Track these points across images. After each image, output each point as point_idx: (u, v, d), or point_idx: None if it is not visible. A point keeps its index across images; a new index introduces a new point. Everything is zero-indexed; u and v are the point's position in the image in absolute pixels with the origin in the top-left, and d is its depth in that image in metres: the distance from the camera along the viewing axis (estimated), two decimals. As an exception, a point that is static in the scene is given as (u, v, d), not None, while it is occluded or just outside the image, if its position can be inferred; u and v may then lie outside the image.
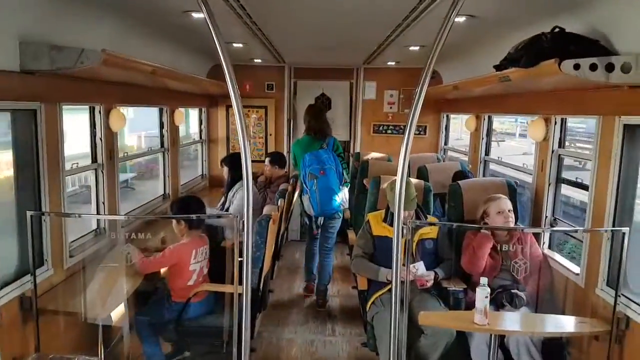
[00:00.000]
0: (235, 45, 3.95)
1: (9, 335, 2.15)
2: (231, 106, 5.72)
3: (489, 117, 4.59)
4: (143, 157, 13.98)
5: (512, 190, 3.24)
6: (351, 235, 4.00)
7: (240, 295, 2.10)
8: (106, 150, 3.07)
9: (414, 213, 3.03)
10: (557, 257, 3.01)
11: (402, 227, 2.20)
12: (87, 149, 2.99)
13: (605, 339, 2.25)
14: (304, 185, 3.93)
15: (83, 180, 10.78)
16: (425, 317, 2.37)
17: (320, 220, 4.02)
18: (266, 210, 3.00)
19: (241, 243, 2.11)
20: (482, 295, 2.22)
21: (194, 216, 2.76)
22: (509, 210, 2.94)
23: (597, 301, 2.42)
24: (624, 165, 2.30)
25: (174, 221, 2.88)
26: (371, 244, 3.04)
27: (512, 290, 2.84)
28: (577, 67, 2.07)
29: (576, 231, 3.10)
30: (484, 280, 2.25)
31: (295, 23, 3.31)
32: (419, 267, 2.78)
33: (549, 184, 3.15)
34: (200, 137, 5.72)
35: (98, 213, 3.10)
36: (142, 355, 2.75)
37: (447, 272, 2.96)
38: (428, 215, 3.13)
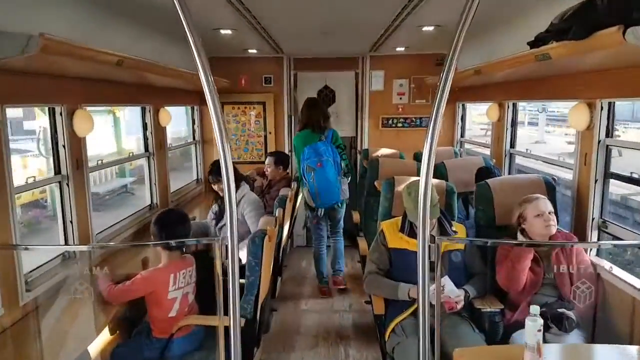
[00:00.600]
0: (222, 32, 3.51)
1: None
2: (227, 103, 5.36)
3: (514, 105, 4.12)
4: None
5: (550, 188, 2.78)
6: (362, 243, 3.56)
7: (227, 329, 1.68)
8: (71, 159, 2.65)
9: (436, 221, 2.59)
10: (608, 265, 2.54)
11: (428, 241, 1.75)
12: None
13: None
14: (303, 178, 3.95)
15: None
16: (460, 354, 1.93)
17: (321, 211, 4.01)
18: (261, 223, 2.57)
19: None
20: (533, 328, 1.76)
21: (162, 243, 2.34)
22: (549, 213, 2.49)
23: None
24: None
25: (152, 238, 2.47)
26: (387, 258, 2.61)
27: (560, 310, 2.40)
28: (648, 35, 1.61)
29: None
30: (534, 309, 1.80)
31: (291, 4, 2.87)
32: (446, 285, 2.34)
33: (595, 180, 2.68)
34: (194, 138, 5.30)
35: (65, 233, 2.69)
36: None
37: (479, 290, 2.52)
38: (453, 222, 2.68)
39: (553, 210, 2.51)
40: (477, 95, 4.74)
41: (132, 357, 2.31)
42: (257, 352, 2.62)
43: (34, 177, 2.51)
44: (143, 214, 3.76)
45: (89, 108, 2.79)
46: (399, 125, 5.39)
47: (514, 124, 4.16)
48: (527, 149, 4.08)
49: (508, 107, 4.12)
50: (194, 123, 5.27)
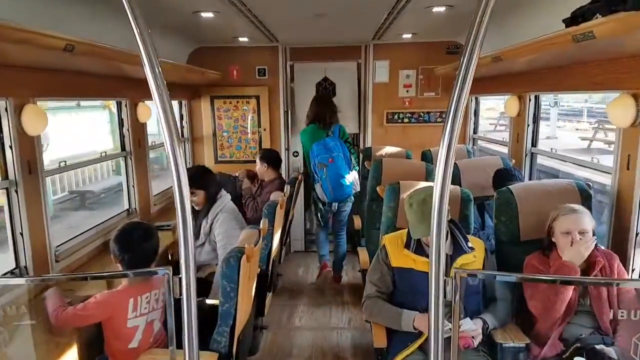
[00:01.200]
0: (204, 15, 3.11)
1: None
2: (217, 97, 4.97)
3: (536, 98, 3.69)
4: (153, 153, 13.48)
5: (585, 196, 2.37)
6: (362, 254, 3.16)
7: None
8: (21, 162, 2.28)
9: (449, 235, 2.18)
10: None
11: (442, 273, 1.36)
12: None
13: None
14: (315, 175, 4.04)
15: (74, 185, 10.20)
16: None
17: (335, 205, 4.08)
18: (241, 239, 2.18)
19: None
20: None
21: (109, 274, 1.96)
22: (583, 232, 2.06)
23: None
24: None
25: (113, 258, 2.10)
26: (389, 279, 2.21)
27: (598, 346, 2.00)
28: None
29: None
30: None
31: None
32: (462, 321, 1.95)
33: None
34: (182, 135, 4.92)
35: (15, 245, 2.32)
36: None
37: (500, 319, 2.12)
38: (469, 236, 2.26)
39: (591, 229, 2.09)
40: (493, 87, 4.30)
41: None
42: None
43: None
44: (119, 221, 3.39)
45: (59, 104, 2.42)
46: (406, 120, 4.97)
47: (536, 119, 3.73)
48: (552, 148, 3.64)
49: (529, 100, 3.69)
50: (182, 119, 4.89)
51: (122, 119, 3.44)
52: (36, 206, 2.39)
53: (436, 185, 1.24)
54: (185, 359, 1.34)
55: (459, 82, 1.22)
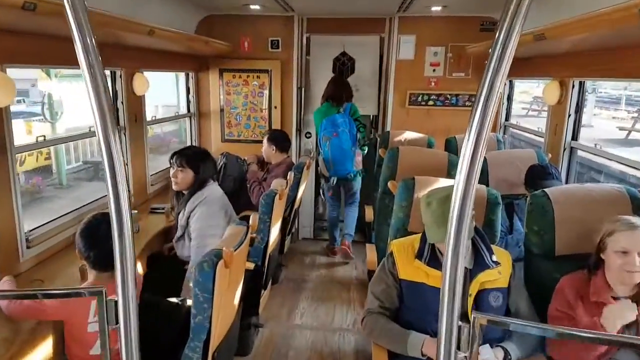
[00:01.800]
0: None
1: None
2: (226, 70, 4.64)
3: (581, 84, 3.24)
4: (161, 129, 13.35)
5: (637, 204, 1.98)
6: (371, 254, 2.85)
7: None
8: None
9: (470, 245, 1.85)
10: None
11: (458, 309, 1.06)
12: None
13: None
14: (320, 148, 4.12)
15: (89, 155, 10.15)
16: None
17: (334, 180, 4.10)
18: (223, 239, 1.89)
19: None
20: None
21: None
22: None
23: None
24: None
25: (78, 255, 1.85)
26: (395, 294, 1.90)
27: (645, 391, 1.66)
28: None
29: None
30: None
31: None
32: (481, 352, 1.63)
33: None
34: (188, 110, 4.64)
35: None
36: None
37: (525, 349, 1.80)
38: (494, 247, 1.92)
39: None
40: (530, 69, 3.84)
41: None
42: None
43: None
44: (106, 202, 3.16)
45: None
46: (430, 103, 4.56)
47: (578, 109, 3.29)
48: (595, 144, 3.19)
49: (573, 86, 3.24)
50: (188, 93, 4.60)
51: (115, 91, 3.17)
52: (2, 186, 2.15)
53: (457, 186, 0.92)
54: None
55: (494, 62, 0.90)
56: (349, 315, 3.43)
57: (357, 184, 4.29)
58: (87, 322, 1.75)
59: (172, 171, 2.64)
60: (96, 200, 3.13)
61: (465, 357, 1.00)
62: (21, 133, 8.48)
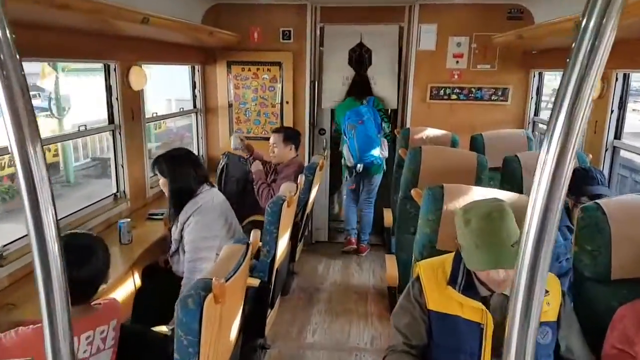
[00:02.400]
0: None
1: None
2: (235, 63, 4.38)
3: (626, 77, 2.91)
4: (174, 123, 13.20)
5: None
6: (390, 265, 2.58)
7: None
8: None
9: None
10: None
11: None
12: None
13: None
14: (344, 137, 4.14)
15: (99, 152, 10.04)
16: None
17: (360, 167, 4.08)
18: (215, 267, 1.63)
19: None
20: None
21: None
22: None
23: None
24: None
25: None
26: (423, 328, 1.61)
27: None
28: None
29: None
30: None
31: None
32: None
33: None
34: (194, 106, 4.40)
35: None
36: None
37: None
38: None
39: None
40: (564, 61, 3.49)
41: None
42: None
43: None
44: (107, 206, 2.94)
45: None
46: (453, 97, 4.24)
47: (622, 104, 2.95)
48: (645, 143, 2.87)
49: (616, 79, 2.91)
50: (194, 87, 4.36)
51: (109, 86, 2.93)
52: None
53: (533, 205, 0.63)
54: None
55: (586, 47, 0.59)
56: (366, 332, 3.16)
57: (378, 178, 4.29)
58: None
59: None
60: (93, 203, 2.92)
61: None
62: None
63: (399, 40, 4.25)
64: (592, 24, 0.52)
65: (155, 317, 2.36)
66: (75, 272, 1.46)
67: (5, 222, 6.67)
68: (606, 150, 2.96)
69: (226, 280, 1.38)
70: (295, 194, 2.57)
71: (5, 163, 7.23)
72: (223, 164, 3.45)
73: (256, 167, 3.37)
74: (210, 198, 2.33)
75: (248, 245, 1.71)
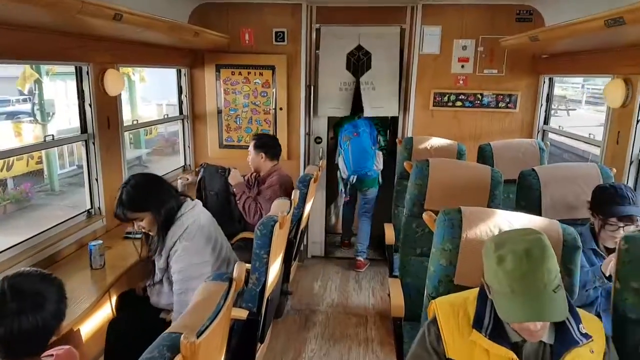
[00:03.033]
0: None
1: None
2: (224, 66, 4.09)
3: (651, 82, 2.66)
4: (165, 129, 12.83)
5: None
6: (395, 292, 2.30)
7: None
8: None
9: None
10: None
11: None
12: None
13: None
14: (340, 148, 4.15)
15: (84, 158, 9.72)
16: None
17: (353, 178, 4.03)
18: (188, 313, 1.34)
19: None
20: None
21: None
22: None
23: None
24: None
25: None
26: (442, 381, 1.35)
27: None
28: None
29: None
30: None
31: None
32: None
33: None
34: (180, 112, 4.13)
35: None
36: None
37: None
38: (580, 312, 1.36)
39: None
40: (584, 65, 3.26)
41: None
42: None
43: None
44: (71, 227, 2.65)
45: None
46: (458, 104, 4.00)
47: (646, 112, 2.71)
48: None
49: (641, 84, 2.67)
50: (180, 92, 4.09)
51: (81, 91, 2.65)
52: None
53: None
54: None
55: None
56: (367, 355, 2.89)
57: (374, 192, 4.19)
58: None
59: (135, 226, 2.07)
60: (63, 222, 2.63)
61: None
62: (8, 135, 8.10)
63: (400, 43, 4.00)
64: None
65: (129, 353, 2.08)
66: (21, 316, 1.18)
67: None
68: (631, 163, 2.71)
69: (199, 336, 1.11)
70: (289, 212, 2.30)
71: (11, 163, 6.90)
72: (200, 177, 3.18)
73: (235, 179, 3.09)
74: (196, 217, 2.05)
75: (230, 282, 1.44)
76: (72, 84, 2.69)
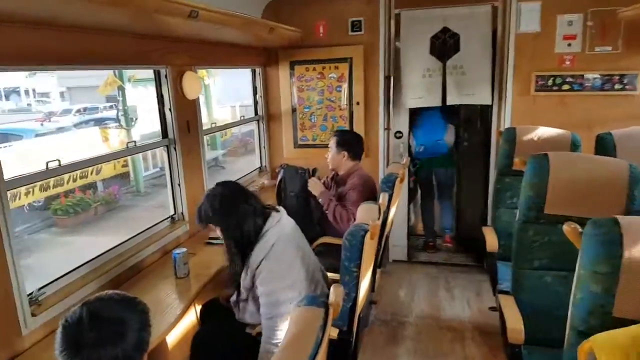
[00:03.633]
0: None
1: None
2: (298, 62, 3.93)
3: None
4: (239, 130, 13.12)
5: None
6: (513, 317, 1.95)
7: None
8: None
9: None
10: None
11: None
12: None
13: None
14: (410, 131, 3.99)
15: (167, 161, 10.20)
16: None
17: (420, 148, 3.94)
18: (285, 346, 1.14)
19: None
20: None
21: None
22: None
23: None
24: None
25: None
26: None
27: None
28: None
29: None
30: None
31: None
32: None
33: None
34: (255, 113, 4.04)
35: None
36: None
37: None
38: None
39: None
40: None
41: None
42: None
43: None
44: (159, 232, 2.61)
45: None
46: (565, 87, 3.48)
47: None
48: None
49: None
50: (255, 92, 3.99)
51: (161, 95, 2.60)
52: None
53: None
54: None
55: None
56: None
57: (451, 172, 4.19)
58: None
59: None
60: (147, 228, 2.60)
61: None
62: (97, 141, 8.69)
63: (492, 22, 3.57)
64: None
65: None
66: (94, 355, 1.05)
67: (80, 235, 6.82)
68: None
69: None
70: (379, 218, 2.05)
71: (77, 175, 7.45)
72: (280, 177, 3.04)
73: (317, 188, 2.89)
74: (280, 232, 1.87)
75: (327, 307, 1.22)
76: (152, 89, 2.70)
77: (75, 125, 12.80)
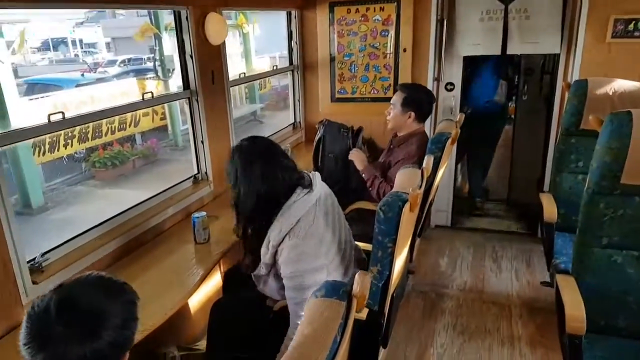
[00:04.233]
0: None
1: None
2: (339, 4, 3.56)
3: None
4: (279, 82, 12.89)
5: None
6: (573, 300, 1.70)
7: None
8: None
9: None
10: None
11: None
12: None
13: None
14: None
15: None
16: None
17: (467, 109, 3.70)
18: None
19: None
20: None
21: None
22: None
23: None
24: None
25: None
26: None
27: None
28: None
29: None
30: None
31: None
32: None
33: None
34: (290, 62, 3.78)
35: None
36: None
37: None
38: None
39: None
40: None
41: None
42: None
43: None
44: (180, 194, 2.49)
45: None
46: (651, 33, 2.99)
47: None
48: None
49: None
50: (290, 39, 3.72)
51: (181, 41, 2.40)
52: None
53: None
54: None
55: None
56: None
57: (502, 126, 4.05)
58: None
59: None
60: (169, 188, 2.50)
61: None
62: (133, 92, 8.71)
63: (566, -46, 3.07)
64: None
65: (232, 336, 1.89)
66: (60, 350, 0.89)
67: (119, 188, 6.98)
68: None
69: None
70: (421, 187, 1.81)
71: (115, 127, 7.53)
72: (319, 136, 2.81)
73: (360, 161, 2.64)
74: (310, 203, 1.65)
75: (350, 298, 1.03)
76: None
77: (116, 76, 12.95)
